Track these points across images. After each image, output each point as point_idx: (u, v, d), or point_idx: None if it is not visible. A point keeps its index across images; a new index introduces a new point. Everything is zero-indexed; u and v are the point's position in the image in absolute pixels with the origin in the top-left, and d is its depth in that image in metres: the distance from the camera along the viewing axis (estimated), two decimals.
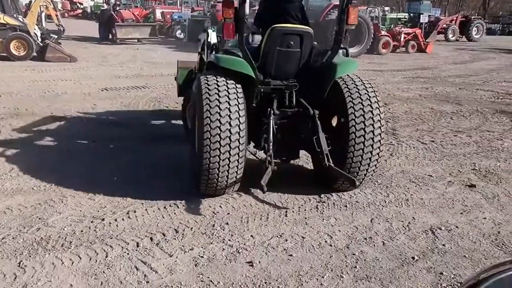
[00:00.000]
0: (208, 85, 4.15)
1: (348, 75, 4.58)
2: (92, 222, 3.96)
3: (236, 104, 4.09)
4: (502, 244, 3.76)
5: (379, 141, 4.40)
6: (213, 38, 6.11)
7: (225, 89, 4.12)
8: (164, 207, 4.26)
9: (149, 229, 3.85)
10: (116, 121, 7.60)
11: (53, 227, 3.86)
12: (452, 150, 6.35)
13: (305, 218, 4.12)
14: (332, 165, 4.19)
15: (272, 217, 4.12)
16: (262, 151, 4.49)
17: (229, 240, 3.71)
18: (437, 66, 16.28)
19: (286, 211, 4.24)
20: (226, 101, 4.06)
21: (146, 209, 4.23)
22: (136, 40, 21.86)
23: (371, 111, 4.39)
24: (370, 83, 4.59)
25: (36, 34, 14.76)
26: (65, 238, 3.68)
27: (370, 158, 4.42)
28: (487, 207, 4.49)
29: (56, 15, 17.24)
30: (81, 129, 7.03)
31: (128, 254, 3.48)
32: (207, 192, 4.34)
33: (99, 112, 8.15)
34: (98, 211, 4.18)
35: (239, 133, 4.07)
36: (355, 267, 3.37)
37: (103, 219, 4.01)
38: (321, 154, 4.28)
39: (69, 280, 3.14)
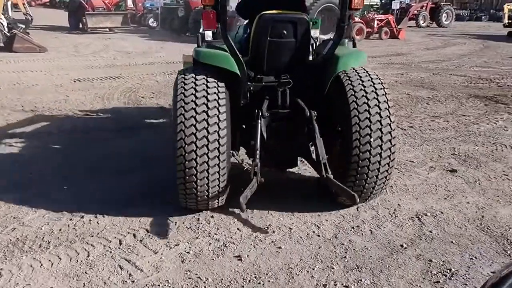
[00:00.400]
0: (185, 83, 3.61)
1: (353, 68, 3.91)
2: (71, 220, 3.81)
3: (215, 107, 3.51)
4: (487, 228, 3.78)
5: (389, 149, 3.67)
6: (207, 33, 5.53)
7: (203, 89, 3.57)
8: (146, 201, 4.13)
9: (131, 225, 3.73)
10: (91, 112, 7.38)
11: (30, 227, 3.69)
12: (431, 135, 6.38)
13: (291, 208, 4.05)
14: (331, 176, 3.55)
15: (258, 211, 4.04)
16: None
17: (215, 234, 3.62)
18: (410, 52, 16.40)
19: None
20: (204, 103, 3.50)
21: (127, 204, 4.09)
22: (107, 29, 21.37)
23: (379, 113, 3.66)
24: (379, 78, 3.86)
25: (2, 24, 14.23)
26: (43, 238, 3.53)
27: (377, 171, 3.70)
28: (469, 191, 4.52)
29: (23, 4, 16.69)
30: (55, 122, 6.80)
31: (110, 252, 3.35)
32: (189, 206, 3.79)
33: (72, 103, 7.90)
34: (76, 208, 4.02)
35: (218, 140, 3.48)
36: (345, 257, 3.33)
37: (82, 217, 3.86)
38: (318, 164, 3.69)
39: (49, 282, 3.00)
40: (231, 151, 3.99)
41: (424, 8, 29.13)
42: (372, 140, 3.60)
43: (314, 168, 4.08)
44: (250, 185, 3.40)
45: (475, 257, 3.35)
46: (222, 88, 3.65)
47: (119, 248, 3.41)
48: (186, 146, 3.44)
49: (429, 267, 3.23)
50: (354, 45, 4.43)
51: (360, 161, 3.64)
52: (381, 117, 3.64)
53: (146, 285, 2.98)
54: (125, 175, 4.77)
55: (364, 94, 3.70)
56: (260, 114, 3.83)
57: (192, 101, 3.50)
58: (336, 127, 4.02)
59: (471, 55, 15.34)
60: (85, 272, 3.11)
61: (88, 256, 3.29)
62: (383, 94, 3.73)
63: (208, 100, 3.51)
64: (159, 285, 2.99)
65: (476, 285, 3.01)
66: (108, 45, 16.63)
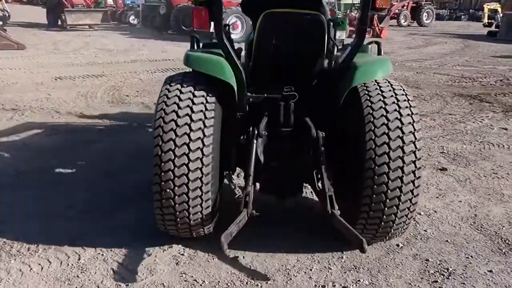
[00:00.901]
0: (168, 91, 3.10)
1: (375, 80, 3.21)
2: (59, 222, 3.69)
3: (200, 120, 2.98)
4: (481, 227, 3.78)
5: (412, 182, 2.95)
6: None
7: (188, 98, 3.04)
8: (137, 203, 4.03)
9: (122, 227, 3.62)
10: (75, 111, 7.21)
11: (18, 230, 3.56)
12: None
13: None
14: (337, 213, 2.93)
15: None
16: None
17: (210, 235, 3.54)
18: (393, 51, 16.51)
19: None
20: (187, 114, 2.98)
21: (117, 206, 3.99)
22: (87, 27, 21.04)
23: (401, 137, 2.94)
24: (405, 93, 3.14)
25: None
26: (32, 240, 3.40)
27: (396, 210, 3.00)
28: (460, 190, 4.53)
29: (0, 1, 16.27)
30: (37, 121, 6.62)
31: (102, 255, 3.25)
32: (169, 232, 3.27)
33: (54, 102, 7.72)
34: (64, 210, 3.90)
35: (201, 160, 2.95)
36: (342, 257, 3.29)
37: (74, 216, 3.74)
38: (322, 196, 3.07)
39: (40, 287, 2.89)
40: (226, 172, 3.52)
41: (405, 7, 29.40)
42: (390, 171, 2.91)
43: (319, 200, 3.24)
44: (237, 219, 2.86)
45: (471, 256, 3.35)
46: (211, 99, 3.10)
47: (111, 250, 3.31)
48: (163, 164, 2.93)
49: (426, 267, 3.21)
50: (379, 51, 3.87)
51: (374, 197, 2.96)
52: (403, 142, 2.93)
53: None
54: (114, 177, 4.65)
55: (384, 113, 3.00)
56: (256, 132, 3.26)
57: (173, 111, 2.99)
58: (348, 152, 3.31)
59: (453, 54, 15.52)
60: (77, 276, 3.01)
61: (79, 259, 3.19)
62: (408, 114, 3.01)
63: (192, 112, 2.99)
64: None
65: (474, 285, 3.01)
66: (89, 42, 16.35)
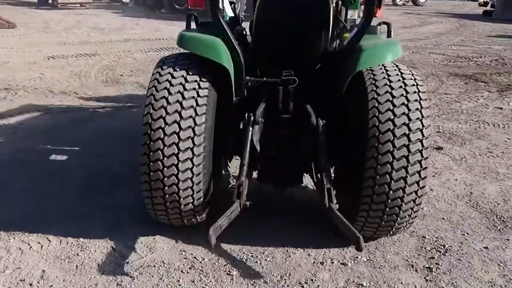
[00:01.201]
0: (160, 74, 2.94)
1: (382, 65, 2.99)
2: (59, 200, 3.69)
3: (191, 106, 2.83)
4: (476, 205, 3.83)
5: (418, 173, 2.76)
6: (226, 7, 4.35)
7: (179, 84, 2.88)
8: (133, 180, 4.03)
9: (122, 206, 3.63)
10: (68, 90, 7.15)
11: (16, 208, 3.56)
12: None
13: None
14: (335, 207, 2.80)
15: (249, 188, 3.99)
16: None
17: (209, 212, 3.54)
18: None
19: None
20: (177, 100, 2.83)
21: (117, 185, 3.98)
22: (78, 5, 20.71)
23: (407, 124, 2.73)
24: (414, 78, 2.92)
25: None
26: (31, 219, 3.40)
27: (399, 203, 2.81)
28: (456, 168, 4.56)
29: None
30: (31, 101, 6.55)
31: (101, 233, 3.25)
32: (160, 219, 3.16)
33: (48, 81, 7.63)
34: (62, 189, 3.90)
35: (192, 149, 2.81)
36: (340, 235, 3.30)
37: (71, 195, 3.74)
38: (320, 188, 2.95)
39: (40, 265, 2.89)
40: (223, 159, 3.44)
41: None
42: (394, 160, 2.72)
43: (318, 193, 3.13)
44: (228, 211, 2.71)
45: (467, 233, 3.39)
46: (205, 84, 2.93)
47: (110, 229, 3.31)
48: (151, 153, 2.80)
49: (423, 244, 3.25)
50: (389, 34, 3.66)
51: (376, 188, 2.78)
52: (409, 129, 2.72)
53: (141, 266, 2.91)
54: (109, 156, 4.63)
55: (390, 99, 2.79)
56: (252, 119, 3.10)
57: (163, 98, 2.84)
58: (350, 142, 3.12)
59: (448, 34, 15.47)
60: (77, 254, 3.01)
61: (78, 237, 3.19)
62: (416, 100, 2.79)
63: (183, 98, 2.84)
64: (154, 266, 2.92)
65: (469, 261, 3.05)
66: (81, 21, 16.10)
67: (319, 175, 3.03)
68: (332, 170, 3.31)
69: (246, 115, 3.12)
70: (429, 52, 11.63)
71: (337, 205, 2.85)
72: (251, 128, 3.08)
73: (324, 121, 3.10)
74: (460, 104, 6.93)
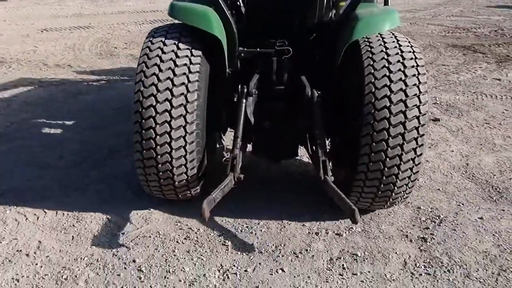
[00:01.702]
0: (151, 43, 2.88)
1: (379, 34, 2.92)
2: (53, 172, 3.68)
3: (184, 74, 2.77)
4: (472, 176, 3.83)
5: (414, 150, 2.72)
6: None
7: (171, 51, 2.81)
8: (127, 152, 4.02)
9: (117, 177, 3.63)
10: (62, 63, 7.07)
11: (12, 179, 3.55)
12: None
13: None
14: (330, 179, 2.77)
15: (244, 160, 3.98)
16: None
17: (204, 185, 3.54)
18: None
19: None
20: (170, 68, 2.76)
21: (111, 156, 3.97)
22: None
23: (404, 90, 2.66)
24: (412, 47, 2.85)
25: None
26: (27, 191, 3.40)
27: (397, 171, 2.75)
28: (452, 140, 4.55)
29: None
30: (25, 74, 6.49)
31: (97, 205, 3.25)
32: (154, 194, 3.12)
33: (42, 54, 7.54)
34: (57, 160, 3.89)
35: (184, 117, 2.75)
36: (335, 206, 3.31)
37: (66, 167, 3.73)
38: (316, 161, 2.91)
39: (36, 236, 2.90)
40: (217, 133, 3.41)
41: None
42: (391, 127, 2.66)
43: (313, 165, 3.09)
44: (222, 184, 2.69)
45: (462, 204, 3.40)
46: (197, 52, 2.87)
47: (106, 200, 3.32)
48: (143, 121, 2.74)
49: (418, 214, 3.26)
50: (386, 2, 3.55)
51: (372, 155, 2.72)
52: (406, 95, 2.66)
53: (137, 237, 2.92)
54: (103, 128, 4.61)
55: (386, 65, 2.72)
56: (246, 91, 3.05)
57: (155, 65, 2.77)
58: (346, 113, 3.07)
59: (446, 4, 15.24)
60: (73, 225, 3.02)
61: (74, 209, 3.19)
62: (413, 66, 2.72)
63: (176, 66, 2.78)
64: (150, 237, 2.93)
65: (464, 231, 3.07)
66: None
67: (314, 147, 2.99)
68: (327, 143, 3.28)
69: (240, 87, 3.06)
70: (428, 23, 11.47)
71: (332, 178, 2.83)
72: (244, 100, 3.03)
73: (319, 93, 3.05)
74: (458, 75, 6.87)
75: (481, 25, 11.03)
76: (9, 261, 2.67)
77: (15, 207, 3.19)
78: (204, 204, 2.52)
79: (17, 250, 2.76)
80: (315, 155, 2.93)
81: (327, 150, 3.01)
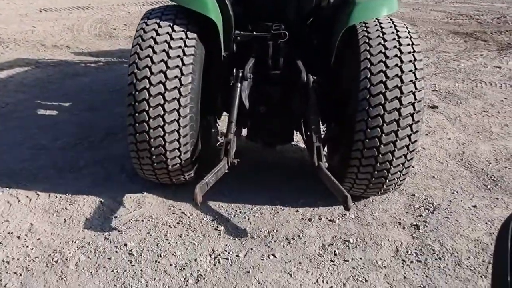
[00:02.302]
0: (146, 24, 2.85)
1: (376, 19, 2.91)
2: (48, 154, 3.67)
3: (178, 56, 2.75)
4: (468, 164, 3.81)
5: (409, 137, 2.71)
6: None
7: (166, 33, 2.79)
8: (123, 134, 4.00)
9: (109, 160, 3.62)
10: (60, 44, 7.01)
11: (4, 161, 3.54)
12: None
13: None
14: (324, 165, 2.76)
15: (239, 146, 3.96)
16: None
17: (199, 169, 3.53)
18: None
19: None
20: (164, 49, 2.74)
21: (108, 137, 3.96)
22: None
23: (399, 87, 2.64)
24: (409, 32, 2.83)
25: None
26: (19, 173, 3.39)
27: (391, 158, 2.75)
28: (450, 127, 4.53)
29: None
30: (22, 54, 6.43)
31: (90, 187, 3.25)
32: (147, 177, 3.11)
33: (40, 34, 7.48)
34: (52, 141, 3.88)
35: (178, 100, 2.73)
36: (328, 192, 3.29)
37: (61, 148, 3.72)
38: (310, 147, 2.89)
39: (28, 218, 2.90)
40: (211, 117, 3.39)
41: None
42: (385, 113, 2.65)
43: (307, 151, 3.11)
44: (215, 169, 2.68)
45: (457, 192, 3.39)
46: (192, 35, 2.85)
47: (99, 183, 3.31)
48: (137, 104, 2.72)
49: (412, 202, 3.25)
50: None
51: (366, 141, 2.72)
52: (402, 81, 2.65)
53: (130, 221, 2.92)
54: (99, 110, 4.59)
55: (383, 50, 2.71)
56: (241, 75, 3.03)
57: (149, 47, 2.75)
58: (341, 98, 3.04)
59: None
60: (65, 208, 3.02)
61: (66, 191, 3.19)
62: (409, 52, 2.70)
63: (170, 48, 2.75)
64: (142, 220, 2.93)
65: (457, 219, 3.06)
66: None
67: (308, 133, 2.97)
68: (322, 129, 3.26)
69: (235, 71, 3.03)
70: (430, 9, 11.35)
71: (326, 164, 2.82)
72: (239, 84, 3.01)
73: (315, 78, 3.03)
74: (458, 62, 6.81)
75: (484, 12, 10.91)
76: (0, 243, 2.67)
77: (7, 189, 3.19)
78: (196, 188, 2.52)
79: (8, 232, 2.76)
80: (309, 141, 2.91)
81: (322, 136, 2.99)
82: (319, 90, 3.04)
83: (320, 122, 3.08)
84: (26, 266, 2.50)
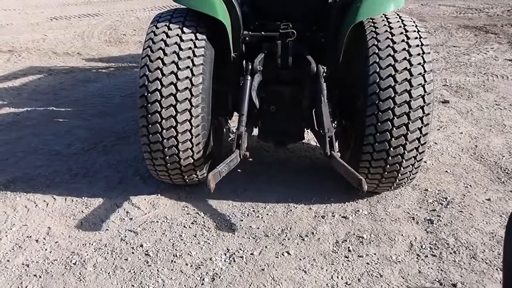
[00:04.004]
0: (156, 27, 2.92)
1: (384, 15, 2.95)
2: (63, 159, 3.73)
3: (188, 57, 2.80)
4: (481, 157, 3.79)
5: (419, 130, 2.74)
6: None
7: (176, 35, 2.85)
8: (135, 138, 4.05)
9: (122, 164, 3.67)
10: (72, 51, 7.10)
11: (20, 168, 3.61)
12: None
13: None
14: (337, 155, 2.76)
15: (251, 145, 3.99)
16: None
17: (210, 168, 3.57)
18: None
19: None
20: (175, 51, 2.80)
21: (121, 141, 4.01)
22: None
23: (409, 80, 2.68)
24: (417, 27, 2.88)
25: None
26: (36, 178, 3.45)
27: (402, 151, 2.78)
28: (462, 122, 4.51)
29: None
30: (35, 62, 6.54)
31: (105, 190, 3.30)
32: (161, 178, 3.15)
33: (51, 42, 7.59)
34: (67, 147, 3.94)
35: (190, 100, 2.78)
36: (341, 189, 3.31)
37: (75, 153, 3.78)
38: (321, 137, 2.85)
39: (46, 222, 2.95)
40: (223, 117, 3.44)
41: None
42: (396, 106, 2.68)
43: (319, 143, 3.16)
44: (228, 159, 2.71)
45: (470, 186, 3.38)
46: (201, 36, 2.90)
47: (114, 186, 3.36)
48: (149, 105, 2.77)
49: (425, 196, 3.25)
50: None
51: (377, 135, 2.75)
52: (411, 75, 2.69)
53: (145, 222, 2.96)
54: (112, 115, 4.65)
55: (391, 44, 2.75)
56: (251, 68, 3.05)
57: (160, 49, 2.81)
58: (350, 96, 3.09)
59: None
60: (82, 211, 3.07)
61: (82, 195, 3.24)
62: (417, 46, 2.75)
63: (180, 49, 2.81)
64: (157, 222, 2.96)
65: (471, 212, 3.05)
66: None
67: (320, 123, 2.91)
68: (334, 124, 3.25)
69: (245, 63, 3.06)
70: (439, 4, 11.29)
71: (339, 154, 2.83)
72: (249, 77, 3.03)
73: (325, 68, 3.05)
74: (469, 56, 6.78)
75: (494, 5, 10.82)
76: (19, 247, 2.72)
77: (25, 194, 3.25)
78: (209, 176, 2.54)
79: (27, 236, 2.82)
80: (321, 132, 2.87)
81: (333, 126, 2.97)
82: (329, 85, 3.04)
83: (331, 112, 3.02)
84: (45, 269, 2.55)
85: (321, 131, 2.85)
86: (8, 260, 2.61)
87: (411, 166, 2.90)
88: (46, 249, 2.71)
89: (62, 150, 3.90)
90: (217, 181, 2.59)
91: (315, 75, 3.03)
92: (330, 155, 2.74)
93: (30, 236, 2.82)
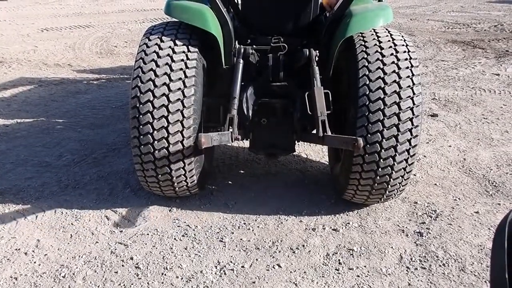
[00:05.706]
0: (149, 40, 2.95)
1: (373, 29, 3.02)
2: (53, 172, 3.71)
3: (181, 69, 2.84)
4: (469, 170, 3.84)
5: (410, 131, 2.76)
6: None
7: (167, 54, 2.86)
8: (126, 150, 4.04)
9: (113, 176, 3.65)
10: (62, 62, 7.09)
11: (8, 180, 3.58)
12: None
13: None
14: (330, 135, 2.78)
15: (243, 157, 4.01)
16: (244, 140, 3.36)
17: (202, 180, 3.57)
18: None
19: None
20: (167, 63, 2.82)
21: (111, 153, 4.00)
22: None
23: (398, 92, 2.72)
24: (405, 42, 2.94)
25: None
26: (25, 190, 3.43)
27: (392, 162, 2.81)
28: (450, 135, 4.56)
29: None
30: (25, 74, 6.51)
31: (95, 203, 3.28)
32: (152, 190, 3.14)
33: (42, 54, 7.57)
34: (58, 159, 3.91)
35: (181, 111, 2.78)
36: (332, 202, 3.34)
37: (65, 165, 3.76)
38: (314, 120, 2.84)
39: (35, 235, 2.93)
40: (214, 130, 3.41)
41: None
42: (384, 129, 2.73)
43: (312, 139, 3.17)
44: (221, 133, 2.79)
45: (459, 198, 3.41)
46: (193, 49, 2.93)
47: (104, 198, 3.34)
48: (141, 116, 2.78)
49: (414, 209, 3.27)
50: None
51: (367, 147, 2.77)
52: (400, 87, 2.73)
53: (135, 234, 2.94)
54: (102, 127, 4.64)
55: (380, 58, 2.81)
56: (243, 51, 3.11)
57: (152, 61, 2.83)
58: (340, 109, 3.11)
59: (447, 0, 15.23)
60: (71, 224, 3.05)
61: (73, 207, 3.22)
62: (406, 59, 2.81)
63: (172, 61, 2.83)
64: (148, 234, 2.95)
65: (460, 225, 3.08)
66: None
67: (313, 107, 2.87)
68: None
69: (237, 46, 3.10)
70: (428, 19, 11.46)
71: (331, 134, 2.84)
72: (241, 60, 3.09)
73: (317, 51, 3.12)
74: (457, 71, 6.87)
75: (481, 21, 11.01)
76: (8, 259, 2.70)
77: (14, 206, 3.22)
78: (201, 136, 2.63)
79: (16, 249, 2.79)
80: (313, 115, 2.86)
81: (326, 108, 2.90)
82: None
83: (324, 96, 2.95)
84: (34, 282, 2.52)
85: (313, 113, 2.86)
86: None
87: (400, 177, 2.92)
88: (35, 262, 2.68)
89: (52, 162, 3.88)
90: (206, 145, 2.67)
91: (307, 58, 3.10)
92: (323, 136, 2.77)
93: (19, 249, 2.79)
